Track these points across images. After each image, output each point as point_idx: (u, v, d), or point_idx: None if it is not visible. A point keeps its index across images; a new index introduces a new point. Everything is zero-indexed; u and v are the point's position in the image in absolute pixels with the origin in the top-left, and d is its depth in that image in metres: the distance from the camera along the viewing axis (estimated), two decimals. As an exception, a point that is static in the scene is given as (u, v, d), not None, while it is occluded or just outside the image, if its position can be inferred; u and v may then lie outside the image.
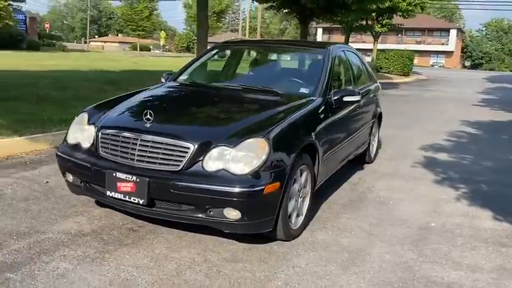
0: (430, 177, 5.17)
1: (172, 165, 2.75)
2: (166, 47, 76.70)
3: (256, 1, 18.46)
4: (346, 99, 3.79)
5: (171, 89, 3.97)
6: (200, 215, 2.75)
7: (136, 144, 2.85)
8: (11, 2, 36.48)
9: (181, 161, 2.73)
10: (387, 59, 28.30)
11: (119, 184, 2.80)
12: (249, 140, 2.77)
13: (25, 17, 41.81)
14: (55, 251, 2.76)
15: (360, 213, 3.83)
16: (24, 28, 39.89)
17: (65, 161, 3.13)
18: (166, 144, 2.79)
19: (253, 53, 4.85)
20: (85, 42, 56.47)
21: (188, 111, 3.35)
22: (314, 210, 3.76)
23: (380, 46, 31.11)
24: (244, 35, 46.91)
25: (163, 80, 4.39)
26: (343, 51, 4.67)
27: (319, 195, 4.10)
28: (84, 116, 3.30)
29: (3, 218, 3.19)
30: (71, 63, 19.68)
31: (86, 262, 2.65)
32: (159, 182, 2.72)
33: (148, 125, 2.90)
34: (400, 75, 27.76)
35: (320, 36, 67.97)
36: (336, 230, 3.41)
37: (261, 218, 2.78)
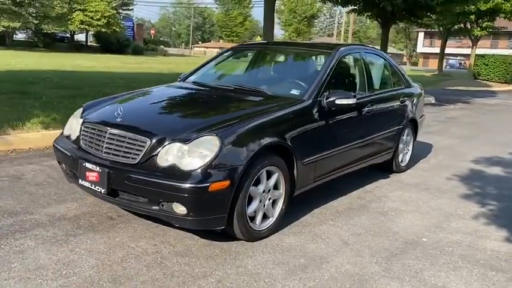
0: (460, 191, 4.75)
1: (131, 158, 2.90)
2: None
3: (339, 4, 18.19)
4: (339, 101, 3.65)
5: (167, 89, 4.14)
6: (154, 208, 2.86)
7: (105, 137, 3.06)
8: (120, 11, 40.08)
9: (139, 154, 2.88)
10: (486, 65, 26.10)
11: (87, 173, 3.03)
12: (201, 138, 2.83)
13: (133, 24, 45.56)
14: (30, 230, 3.06)
15: (350, 221, 3.67)
16: (131, 34, 43.47)
17: (57, 150, 3.45)
18: (129, 138, 2.95)
19: (261, 55, 4.85)
20: (185, 48, 59.84)
21: (162, 109, 3.49)
22: (302, 214, 3.71)
23: (478, 51, 28.75)
24: (339, 40, 46.28)
25: (178, 80, 4.60)
26: (359, 53, 4.48)
27: (316, 200, 4.03)
28: (80, 110, 3.60)
29: (7, 198, 3.60)
30: (160, 66, 21.06)
31: (49, 242, 2.90)
32: (116, 173, 2.89)
33: (118, 120, 3.10)
34: (502, 82, 25.43)
35: (421, 41, 64.83)
36: (311, 236, 3.31)
37: (209, 215, 2.82)
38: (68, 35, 36.58)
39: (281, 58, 4.61)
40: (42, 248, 2.81)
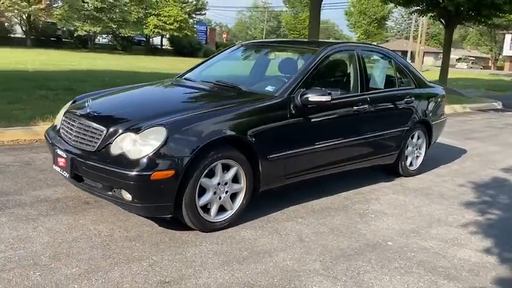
0: (465, 198, 4.47)
1: (91, 146, 3.11)
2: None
3: (400, 5, 17.58)
4: (313, 99, 3.61)
5: (155, 85, 4.32)
6: (109, 193, 3.04)
7: (75, 126, 3.30)
8: (194, 15, 41.67)
9: (97, 143, 3.08)
10: None
11: (58, 159, 3.29)
12: (150, 128, 2.96)
13: (206, 28, 47.15)
14: (10, 208, 3.38)
15: (320, 220, 3.61)
16: (204, 38, 45.01)
17: (46, 139, 3.77)
18: (91, 127, 3.17)
19: (251, 53, 4.87)
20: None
21: (131, 103, 3.66)
22: (273, 210, 3.71)
23: None
24: (416, 42, 44.46)
25: (175, 77, 4.78)
26: (353, 51, 4.37)
27: (296, 198, 4.01)
28: (70, 102, 3.90)
29: (7, 181, 3.97)
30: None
31: (19, 220, 3.18)
32: (78, 159, 3.12)
33: (87, 111, 3.33)
34: None
35: (508, 43, 60.26)
36: (269, 231, 3.32)
37: (153, 202, 2.94)
38: (144, 38, 38.70)
39: (269, 56, 4.61)
40: (10, 224, 3.10)
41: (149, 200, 2.93)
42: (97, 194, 3.16)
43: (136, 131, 2.98)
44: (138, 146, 2.92)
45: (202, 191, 3.13)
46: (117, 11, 31.90)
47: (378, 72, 4.77)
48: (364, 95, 4.28)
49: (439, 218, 3.88)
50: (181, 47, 37.96)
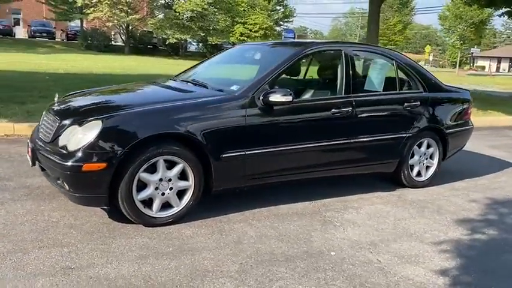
0: (464, 214, 4.01)
1: (47, 137, 3.33)
2: (441, 62, 72.73)
3: (482, 7, 16.20)
4: (273, 99, 3.50)
5: (138, 85, 4.48)
6: (57, 182, 3.23)
7: (45, 119, 3.56)
8: (281, 23, 42.20)
9: (51, 134, 3.29)
10: None
11: (28, 149, 3.58)
12: (90, 122, 3.09)
13: (294, 35, 47.42)
14: (-9, 192, 3.75)
15: (275, 224, 3.48)
16: (292, 44, 45.21)
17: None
18: (51, 120, 3.40)
19: (241, 53, 4.79)
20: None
21: (96, 99, 3.80)
22: (233, 211, 3.66)
23: None
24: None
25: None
26: (342, 52, 4.12)
27: (268, 200, 3.92)
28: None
29: (6, 167, 4.40)
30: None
31: (-9, 202, 3.52)
32: (35, 149, 3.36)
33: (56, 106, 3.58)
34: None
35: None
36: (212, 231, 3.27)
37: (87, 193, 3.05)
38: (231, 45, 40.10)
39: (254, 56, 4.51)
40: (-20, 205, 3.44)
41: (83, 190, 3.06)
42: (51, 182, 3.37)
43: (80, 124, 3.13)
44: (77, 138, 3.07)
45: (144, 185, 3.20)
46: (206, 19, 33.35)
47: (375, 74, 4.46)
48: (349, 97, 4.04)
49: (414, 233, 3.53)
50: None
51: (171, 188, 3.29)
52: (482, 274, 2.92)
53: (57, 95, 3.71)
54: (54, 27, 37.87)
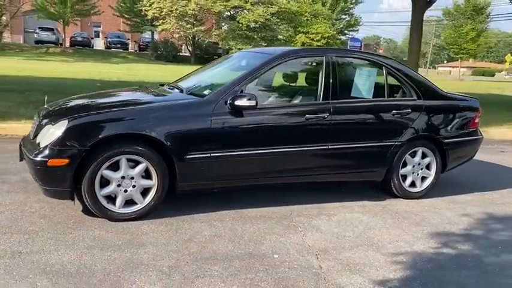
0: (446, 228, 3.83)
1: (32, 135, 3.67)
2: (521, 71, 67.78)
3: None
4: (238, 103, 3.59)
5: (125, 89, 4.75)
6: (33, 177, 3.54)
7: (33, 120, 3.93)
8: (346, 31, 41.69)
9: (33, 132, 3.62)
10: None
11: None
12: (59, 122, 3.37)
13: (360, 44, 46.61)
14: (-7, 184, 4.17)
15: (235, 226, 3.54)
16: (358, 54, 44.45)
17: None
18: (36, 120, 3.75)
19: (236, 59, 4.84)
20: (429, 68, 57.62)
21: (80, 102, 4.06)
22: (204, 211, 3.76)
23: None
24: None
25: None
26: (323, 58, 4.10)
27: (240, 203, 4.00)
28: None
29: (19, 163, 4.83)
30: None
31: (-16, 192, 3.93)
32: (21, 146, 3.71)
33: (44, 108, 3.92)
34: None
35: None
36: (169, 228, 3.40)
37: (53, 186, 3.31)
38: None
39: (241, 63, 4.57)
40: (-28, 194, 3.86)
41: (50, 184, 3.33)
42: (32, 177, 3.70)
43: (53, 123, 3.43)
44: (48, 136, 3.36)
45: (108, 182, 3.42)
46: (269, 30, 33.86)
47: (362, 80, 4.36)
48: (327, 103, 4.01)
49: (376, 242, 3.42)
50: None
51: (134, 186, 3.48)
52: (425, 288, 2.79)
53: (46, 98, 4.06)
54: (128, 39, 40.35)
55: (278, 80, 4.62)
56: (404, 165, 4.44)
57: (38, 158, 3.28)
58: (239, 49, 33.45)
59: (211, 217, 3.70)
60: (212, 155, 3.62)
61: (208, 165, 3.64)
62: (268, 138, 3.83)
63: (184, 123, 3.56)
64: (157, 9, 31.43)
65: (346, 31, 42.25)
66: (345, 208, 4.14)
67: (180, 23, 31.63)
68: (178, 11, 31.02)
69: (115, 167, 3.41)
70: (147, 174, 3.51)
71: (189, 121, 3.57)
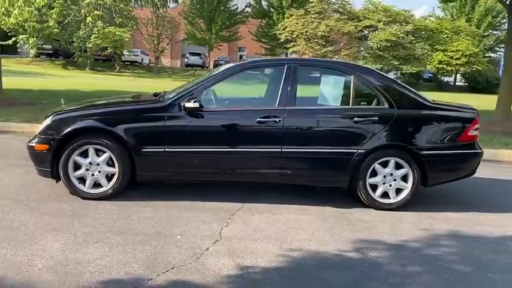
0: (380, 238, 3.74)
1: (41, 129, 4.69)
2: None
3: None
4: (186, 105, 4.10)
5: (119, 96, 5.52)
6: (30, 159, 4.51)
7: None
8: (497, 48, 37.79)
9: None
10: None
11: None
12: (48, 117, 4.30)
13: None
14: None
15: (174, 213, 4.00)
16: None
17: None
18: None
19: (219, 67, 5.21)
20: None
21: (76, 104, 4.86)
22: (162, 198, 4.32)
23: None
24: None
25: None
26: (285, 67, 4.35)
27: (202, 195, 4.45)
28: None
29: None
30: None
31: None
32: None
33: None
34: None
35: None
36: (115, 207, 4.03)
37: (40, 167, 4.21)
38: (432, 74, 37.88)
39: (218, 71, 4.93)
40: None
41: (37, 164, 4.25)
42: None
43: (46, 118, 4.38)
44: (39, 127, 4.32)
45: (79, 166, 4.22)
46: (402, 48, 32.66)
47: (328, 88, 4.44)
48: (281, 109, 4.23)
49: (287, 239, 3.55)
50: (476, 83, 35.26)
51: (99, 171, 4.22)
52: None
53: (62, 100, 5.10)
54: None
55: (240, 87, 4.98)
56: (375, 174, 4.37)
57: (29, 144, 4.24)
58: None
59: (164, 204, 4.21)
60: (166, 150, 4.18)
61: (162, 159, 4.20)
62: (218, 138, 4.24)
63: (143, 123, 4.20)
64: (289, 32, 32.88)
65: (497, 48, 38.28)
66: (297, 210, 4.27)
67: (310, 44, 32.54)
68: (308, 33, 32.02)
69: (85, 155, 4.20)
70: (112, 163, 4.22)
71: (147, 121, 4.20)
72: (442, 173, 4.47)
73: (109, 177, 4.25)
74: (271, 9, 39.18)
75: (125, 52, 34.86)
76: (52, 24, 33.77)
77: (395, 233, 3.82)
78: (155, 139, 4.19)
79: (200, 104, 4.09)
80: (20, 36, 33.02)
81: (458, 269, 3.21)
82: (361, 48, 33.37)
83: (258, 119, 4.21)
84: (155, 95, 4.90)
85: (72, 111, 4.39)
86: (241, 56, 50.20)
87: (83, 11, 33.82)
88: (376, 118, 4.30)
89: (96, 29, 33.72)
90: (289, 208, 4.30)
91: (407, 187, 4.38)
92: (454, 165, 4.50)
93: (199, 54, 40.00)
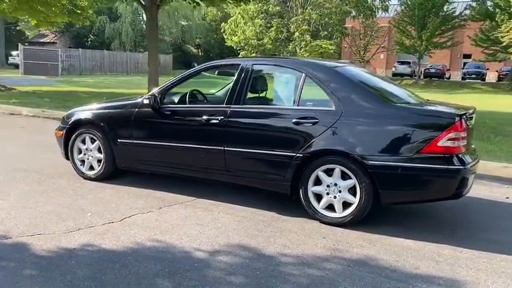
0: (249, 244, 3.43)
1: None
2: None
3: None
4: (145, 102, 4.57)
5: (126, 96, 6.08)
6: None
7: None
8: None
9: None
10: None
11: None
12: (68, 111, 5.38)
13: None
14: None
15: (138, 201, 4.50)
16: None
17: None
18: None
19: None
20: None
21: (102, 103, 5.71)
22: (151, 186, 4.89)
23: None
24: None
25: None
26: (240, 66, 4.31)
27: (178, 188, 4.81)
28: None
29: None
30: None
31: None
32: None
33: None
34: None
35: None
36: (99, 189, 4.76)
37: (61, 149, 5.28)
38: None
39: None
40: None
41: (60, 147, 5.35)
42: None
43: (69, 111, 5.49)
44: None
45: (81, 151, 5.14)
46: None
47: (281, 87, 4.14)
48: (226, 107, 4.24)
49: (141, 223, 3.63)
50: None
51: (91, 156, 5.05)
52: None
53: (104, 98, 6.13)
54: (487, 69, 37.75)
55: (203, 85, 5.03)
56: (319, 183, 3.93)
57: (55, 131, 5.39)
58: None
59: (120, 189, 4.74)
60: (134, 141, 4.73)
61: (132, 150, 4.76)
62: (170, 134, 4.58)
63: (118, 116, 4.87)
64: (514, 33, 28.29)
65: None
66: (231, 210, 4.18)
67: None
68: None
69: (84, 142, 5.10)
70: (100, 150, 5.00)
71: (122, 115, 4.84)
72: (398, 191, 3.68)
73: (99, 162, 5.04)
74: (496, 10, 34.27)
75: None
76: (266, 41, 38.17)
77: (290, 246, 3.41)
78: (126, 132, 4.78)
79: (156, 101, 4.49)
80: (241, 53, 37.99)
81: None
82: None
83: (204, 117, 4.32)
84: None
85: (77, 107, 5.39)
86: (464, 64, 45.51)
87: (292, 26, 36.98)
88: (317, 120, 3.86)
89: (303, 42, 36.21)
90: (227, 207, 4.26)
91: (355, 202, 3.77)
92: (414, 182, 3.62)
93: (408, 63, 38.09)
